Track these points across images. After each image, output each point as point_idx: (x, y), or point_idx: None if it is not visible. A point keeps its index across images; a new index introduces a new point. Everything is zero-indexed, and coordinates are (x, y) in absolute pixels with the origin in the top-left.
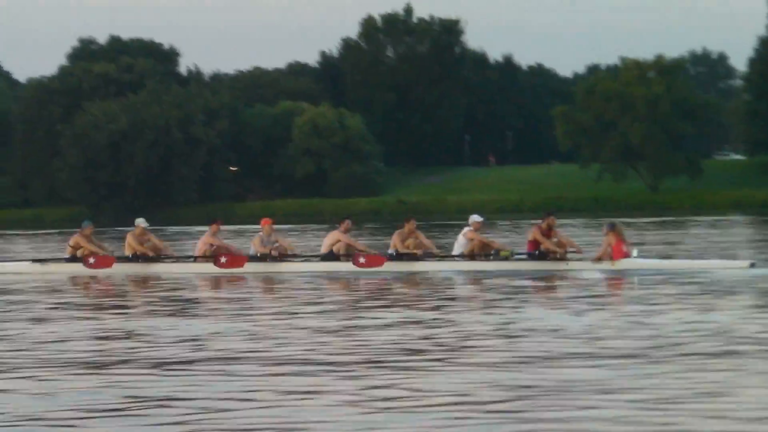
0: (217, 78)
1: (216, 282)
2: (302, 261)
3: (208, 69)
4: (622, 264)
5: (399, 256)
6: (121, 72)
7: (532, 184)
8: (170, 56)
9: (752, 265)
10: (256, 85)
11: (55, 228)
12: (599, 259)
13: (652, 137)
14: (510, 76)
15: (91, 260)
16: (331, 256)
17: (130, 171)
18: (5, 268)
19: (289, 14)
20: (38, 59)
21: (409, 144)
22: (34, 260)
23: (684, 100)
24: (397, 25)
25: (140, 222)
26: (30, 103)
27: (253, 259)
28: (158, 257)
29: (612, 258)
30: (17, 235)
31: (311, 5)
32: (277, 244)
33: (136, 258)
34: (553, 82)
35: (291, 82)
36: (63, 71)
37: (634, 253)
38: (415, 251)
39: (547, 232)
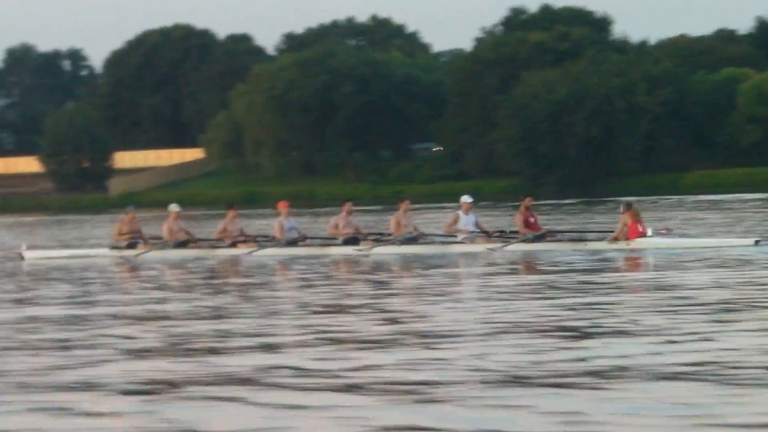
0: (643, 46)
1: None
2: (321, 245)
3: (635, 37)
4: (637, 243)
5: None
6: (556, 41)
7: None
8: (603, 24)
9: (757, 243)
10: (691, 52)
11: (492, 201)
12: (615, 239)
13: None
14: None
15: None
16: (334, 239)
17: (570, 142)
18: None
19: None
20: (450, 30)
21: None
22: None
23: None
24: None
25: (173, 207)
26: (464, 74)
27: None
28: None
29: (627, 238)
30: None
31: None
32: (293, 229)
33: (183, 244)
34: None
35: (723, 48)
36: (496, 41)
37: (649, 232)
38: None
39: (526, 214)
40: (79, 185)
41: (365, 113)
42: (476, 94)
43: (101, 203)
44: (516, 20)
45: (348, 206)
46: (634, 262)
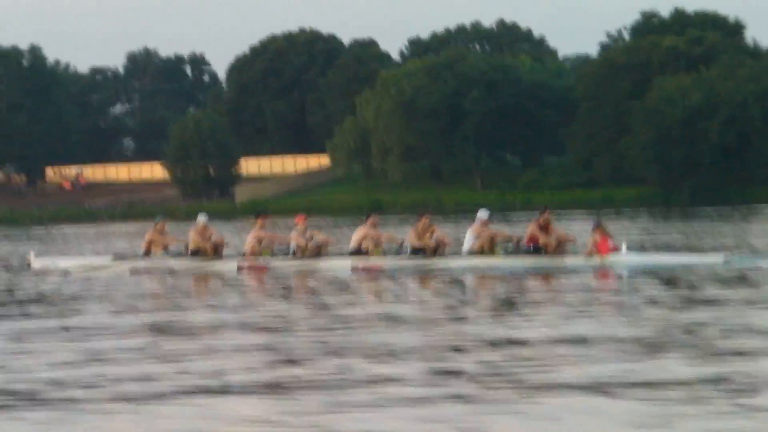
0: None
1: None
2: (336, 257)
3: (763, 42)
4: (611, 259)
5: (414, 252)
6: (689, 45)
7: None
8: (736, 29)
9: (726, 260)
10: None
11: (624, 207)
12: (590, 254)
13: None
14: None
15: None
16: (358, 252)
17: (704, 148)
18: (81, 263)
19: None
20: (571, 35)
21: None
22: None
23: None
24: None
25: (201, 218)
26: (595, 79)
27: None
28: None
29: (600, 253)
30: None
31: None
32: (313, 240)
33: (196, 253)
34: None
35: None
36: (629, 46)
37: (623, 248)
38: (428, 246)
39: (545, 227)
40: (205, 192)
41: (494, 119)
42: (608, 99)
43: (228, 211)
44: (647, 25)
45: (373, 219)
46: (600, 276)
